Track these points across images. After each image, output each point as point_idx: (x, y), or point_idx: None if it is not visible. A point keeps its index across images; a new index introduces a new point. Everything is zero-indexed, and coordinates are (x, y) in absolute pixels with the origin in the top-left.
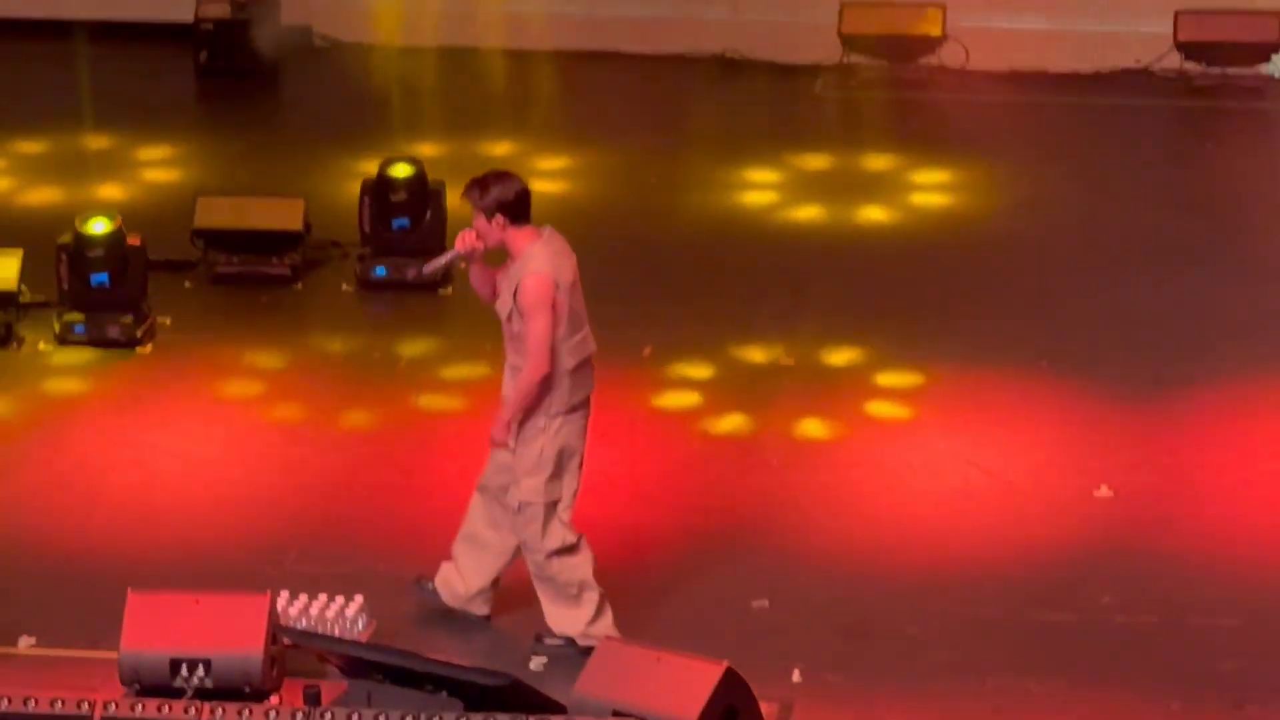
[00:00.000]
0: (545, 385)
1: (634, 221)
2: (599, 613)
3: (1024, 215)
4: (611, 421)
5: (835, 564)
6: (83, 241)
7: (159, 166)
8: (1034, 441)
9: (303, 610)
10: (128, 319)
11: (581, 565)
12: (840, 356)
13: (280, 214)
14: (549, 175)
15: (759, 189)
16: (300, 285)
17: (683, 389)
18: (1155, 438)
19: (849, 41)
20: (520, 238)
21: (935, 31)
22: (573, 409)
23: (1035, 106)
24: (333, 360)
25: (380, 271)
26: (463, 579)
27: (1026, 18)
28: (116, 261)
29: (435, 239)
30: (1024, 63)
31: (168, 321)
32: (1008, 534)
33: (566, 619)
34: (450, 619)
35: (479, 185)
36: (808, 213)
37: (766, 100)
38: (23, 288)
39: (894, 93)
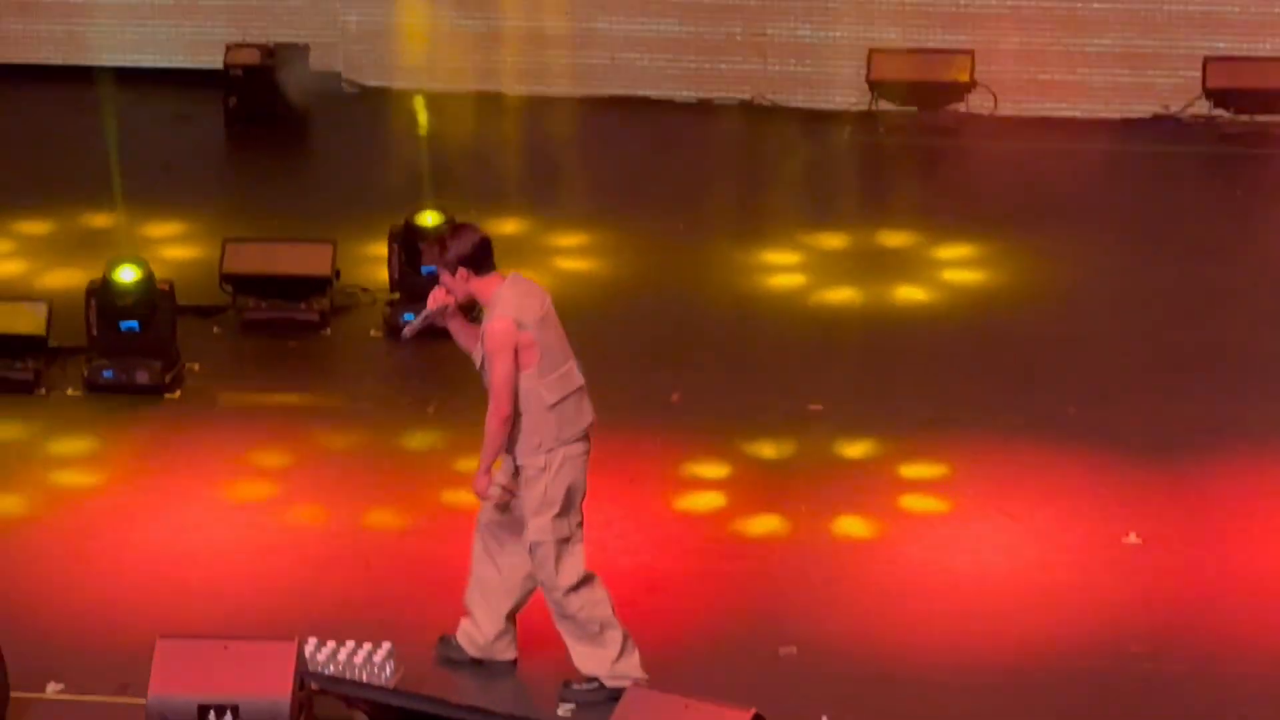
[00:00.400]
0: (507, 426)
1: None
2: (623, 652)
3: (1052, 263)
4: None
5: (863, 611)
6: (112, 287)
7: (187, 211)
8: (1062, 488)
9: (330, 656)
10: (156, 365)
11: (601, 602)
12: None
13: (309, 259)
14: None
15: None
16: (328, 330)
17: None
18: (1185, 485)
19: (878, 88)
20: (486, 286)
21: (964, 78)
22: (569, 442)
23: (1064, 153)
24: (361, 406)
25: (409, 318)
26: (479, 627)
27: (1055, 64)
28: (145, 307)
29: None
30: (1052, 109)
31: (196, 367)
32: (1036, 581)
33: (592, 658)
34: (477, 666)
35: (438, 243)
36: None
37: (794, 148)
38: (51, 334)
39: (922, 139)
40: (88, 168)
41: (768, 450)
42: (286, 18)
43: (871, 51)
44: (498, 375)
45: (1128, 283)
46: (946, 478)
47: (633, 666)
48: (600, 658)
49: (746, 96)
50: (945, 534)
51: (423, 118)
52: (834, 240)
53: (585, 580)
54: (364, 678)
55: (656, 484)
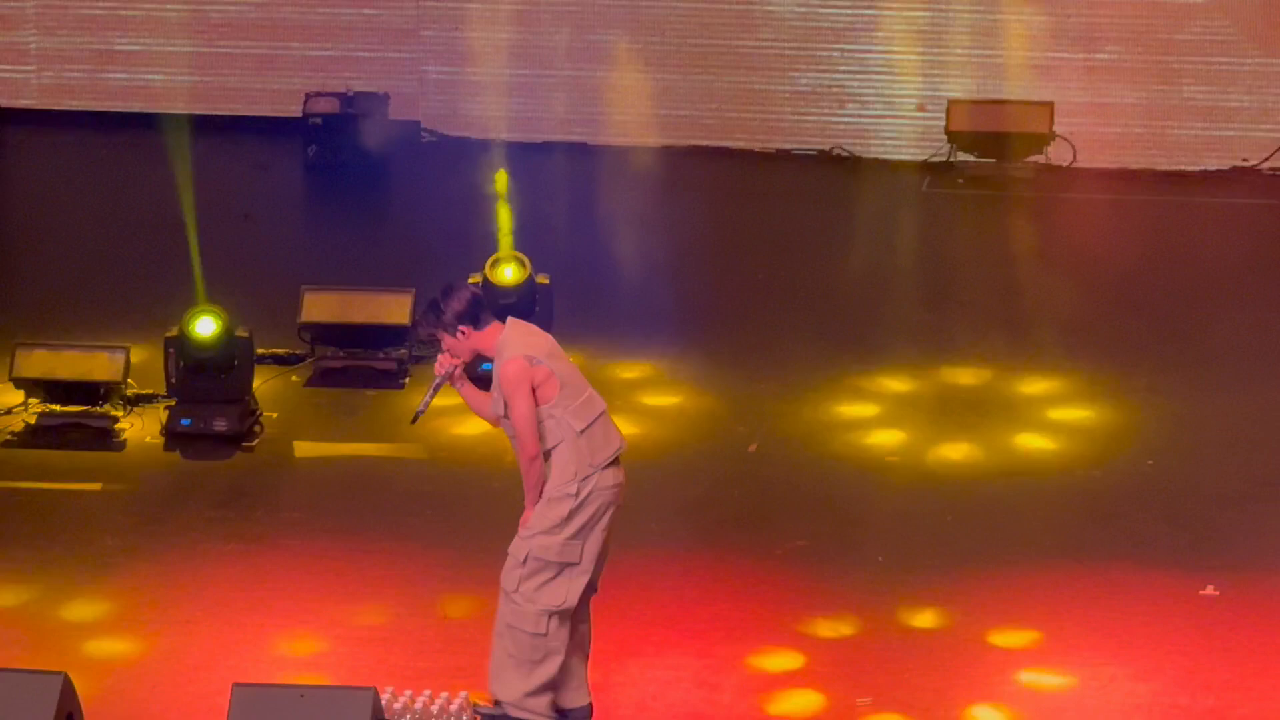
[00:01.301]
0: (539, 464)
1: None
2: (540, 690)
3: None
4: None
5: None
6: (190, 337)
7: (267, 259)
8: (1140, 538)
9: (407, 705)
10: (234, 413)
11: (565, 642)
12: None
13: (387, 308)
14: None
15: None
16: (406, 380)
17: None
18: (1262, 535)
19: (956, 138)
20: (488, 338)
21: (1042, 129)
22: (601, 468)
23: (1142, 204)
24: (438, 454)
25: (486, 367)
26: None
27: (1133, 116)
28: (223, 355)
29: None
30: (1130, 161)
31: (274, 415)
32: (1110, 630)
33: (510, 684)
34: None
35: (432, 309)
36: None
37: (873, 199)
38: (130, 381)
39: (1000, 191)
40: (167, 215)
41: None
42: (366, 67)
43: (951, 103)
44: (519, 414)
45: (1204, 335)
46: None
47: (543, 706)
48: (517, 686)
49: (826, 147)
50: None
51: (502, 187)
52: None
53: (568, 614)
54: None
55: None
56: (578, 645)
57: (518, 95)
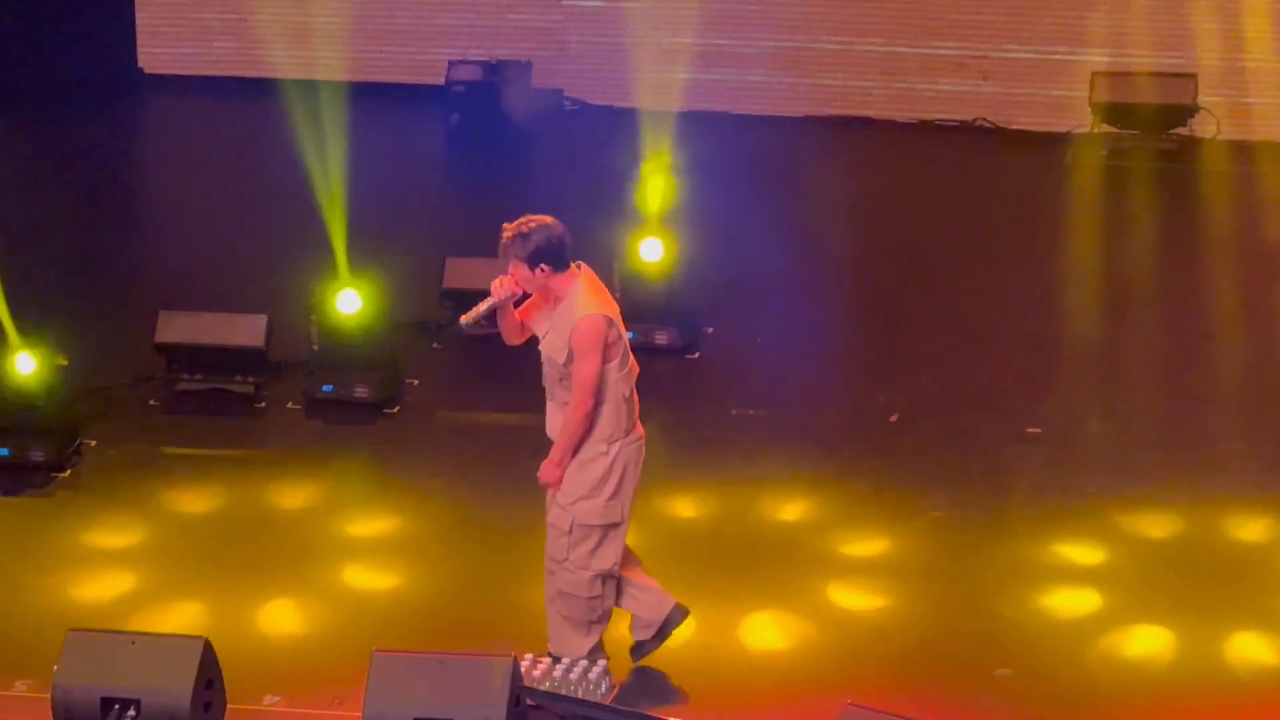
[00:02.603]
0: (590, 420)
1: None
2: (601, 642)
3: None
4: None
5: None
6: (334, 304)
7: (411, 226)
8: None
9: (546, 673)
10: (375, 379)
11: (611, 595)
12: None
13: None
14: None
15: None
16: None
17: None
18: None
19: (1100, 110)
20: (563, 282)
21: (1187, 101)
22: (628, 431)
23: None
24: None
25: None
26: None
27: (1278, 88)
28: (365, 323)
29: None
30: (1276, 133)
31: (415, 382)
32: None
33: (571, 644)
34: (690, 683)
35: (520, 236)
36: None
37: (1017, 172)
38: (273, 346)
39: (1144, 164)
40: (310, 182)
41: None
42: (509, 35)
43: (1094, 74)
44: (589, 372)
45: None
46: None
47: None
48: (580, 645)
49: (968, 118)
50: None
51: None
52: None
53: (614, 570)
54: (579, 694)
55: None
56: (634, 563)
57: (660, 63)
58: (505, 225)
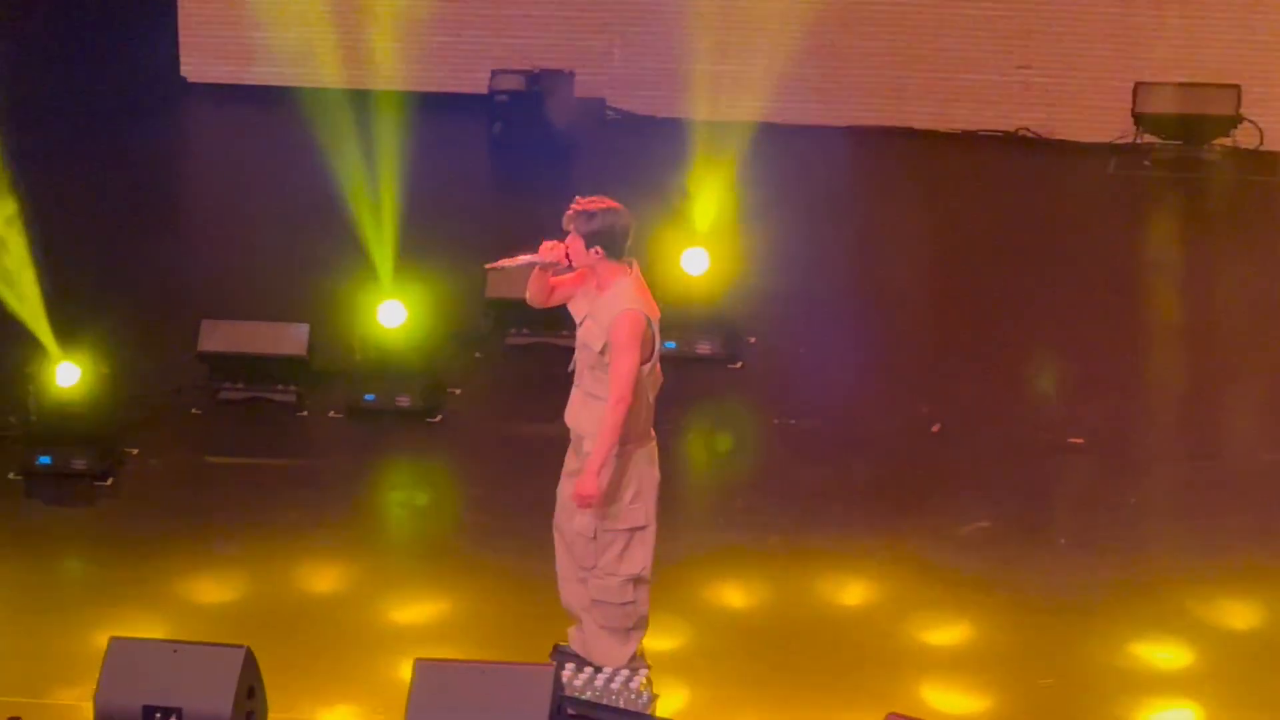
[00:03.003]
0: (627, 418)
1: None
2: (637, 654)
3: None
4: None
5: None
6: (374, 315)
7: (452, 235)
8: None
9: (587, 682)
10: (417, 388)
11: (646, 600)
12: None
13: None
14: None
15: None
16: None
17: None
18: None
19: (1142, 120)
20: (611, 271)
21: (1229, 112)
22: (643, 435)
23: None
24: None
25: (670, 345)
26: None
27: None
28: (406, 333)
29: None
30: None
31: (458, 391)
32: None
33: (610, 654)
34: (726, 694)
35: (586, 213)
36: None
37: (1058, 182)
38: (315, 355)
39: (1187, 174)
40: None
41: None
42: (551, 44)
43: (1137, 84)
44: (628, 367)
45: None
46: None
47: (635, 659)
48: (619, 654)
49: (1012, 128)
50: None
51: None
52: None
53: (645, 574)
54: (621, 704)
55: None
56: None
57: (702, 76)
58: (578, 198)
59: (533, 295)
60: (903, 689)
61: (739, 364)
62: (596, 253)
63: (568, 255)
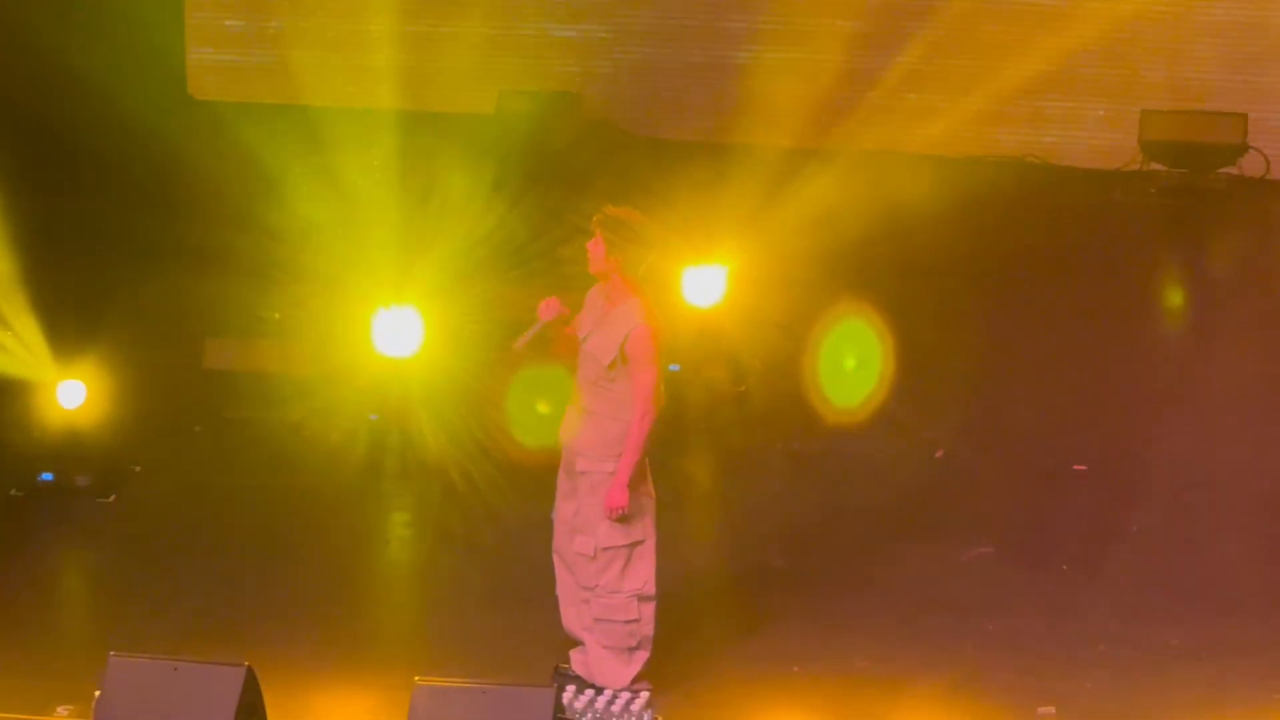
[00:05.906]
0: (649, 434)
1: None
2: (641, 675)
3: None
4: None
5: None
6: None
7: (459, 255)
8: None
9: (588, 704)
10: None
11: (652, 620)
12: None
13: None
14: None
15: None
16: None
17: None
18: None
19: (1149, 148)
20: (625, 285)
21: (1236, 140)
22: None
23: None
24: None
25: (674, 368)
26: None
27: None
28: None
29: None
30: None
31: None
32: None
33: (612, 674)
34: (729, 716)
35: (618, 219)
36: None
37: (1065, 209)
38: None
39: (1193, 202)
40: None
41: None
42: (559, 67)
43: (1144, 112)
44: (650, 380)
45: None
46: None
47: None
48: (623, 675)
49: (1018, 154)
50: None
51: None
52: None
53: (652, 595)
54: None
55: None
56: None
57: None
58: (608, 206)
59: (562, 354)
60: (900, 716)
61: (743, 388)
62: (616, 262)
63: (561, 308)
